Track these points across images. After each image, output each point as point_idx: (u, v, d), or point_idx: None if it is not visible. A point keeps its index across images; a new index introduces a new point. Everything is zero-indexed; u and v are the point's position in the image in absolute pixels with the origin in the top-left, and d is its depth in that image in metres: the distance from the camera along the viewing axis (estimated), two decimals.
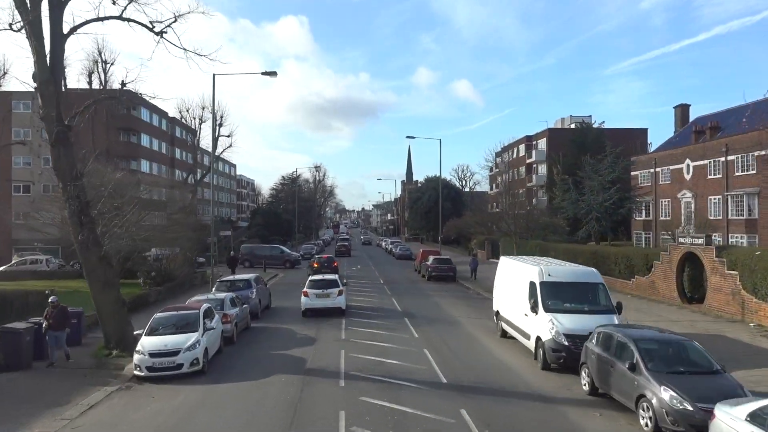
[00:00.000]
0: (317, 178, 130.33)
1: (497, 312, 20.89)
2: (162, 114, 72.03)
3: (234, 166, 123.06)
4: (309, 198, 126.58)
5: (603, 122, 68.21)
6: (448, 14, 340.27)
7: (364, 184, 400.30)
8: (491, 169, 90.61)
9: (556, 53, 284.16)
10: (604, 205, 47.09)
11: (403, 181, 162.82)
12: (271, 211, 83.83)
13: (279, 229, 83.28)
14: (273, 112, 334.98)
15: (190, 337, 15.74)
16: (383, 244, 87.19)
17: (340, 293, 24.45)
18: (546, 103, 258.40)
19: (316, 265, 40.34)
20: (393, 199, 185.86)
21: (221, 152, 70.98)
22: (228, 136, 46.34)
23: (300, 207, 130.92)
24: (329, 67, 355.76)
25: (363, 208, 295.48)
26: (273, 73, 28.10)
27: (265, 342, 20.05)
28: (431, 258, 39.69)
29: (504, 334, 20.00)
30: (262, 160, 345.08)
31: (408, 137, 51.75)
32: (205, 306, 17.72)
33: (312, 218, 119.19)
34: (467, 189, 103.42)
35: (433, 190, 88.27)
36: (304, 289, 24.79)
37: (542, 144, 69.51)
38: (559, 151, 63.46)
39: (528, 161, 71.23)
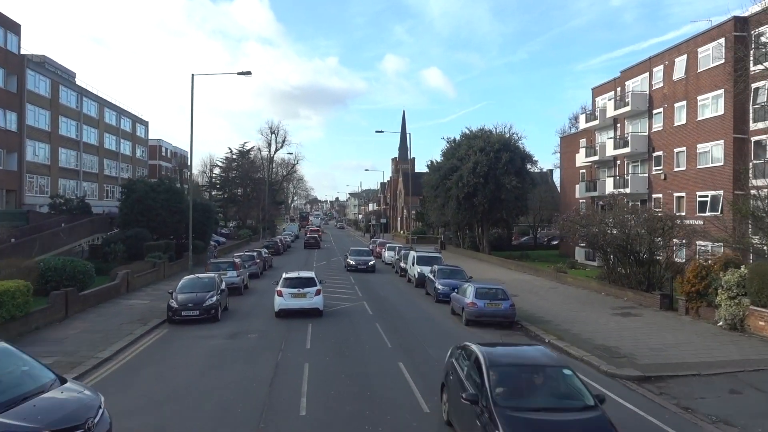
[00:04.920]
0: (273, 145, 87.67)
1: None
2: None
3: (145, 124, 79.26)
4: (261, 181, 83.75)
5: None
6: (421, 5, 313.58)
7: (336, 175, 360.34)
8: (579, 118, 49.08)
9: (528, 47, 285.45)
10: None
11: (394, 159, 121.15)
12: (161, 189, 40.92)
13: (177, 222, 40.66)
14: (239, 97, 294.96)
15: None
16: (386, 254, 45.18)
17: (318, 293, 21.61)
18: (517, 97, 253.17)
19: None
20: (378, 185, 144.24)
21: None
22: None
23: (251, 188, 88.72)
24: (294, 50, 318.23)
25: (337, 198, 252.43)
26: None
27: None
28: None
29: None
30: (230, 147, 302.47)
31: None
32: None
33: (259, 204, 76.52)
34: None
35: (480, 152, 46.63)
36: (278, 288, 21.61)
37: None
38: None
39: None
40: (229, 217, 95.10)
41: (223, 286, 22.37)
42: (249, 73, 29.11)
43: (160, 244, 35.21)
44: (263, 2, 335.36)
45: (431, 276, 27.38)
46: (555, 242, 72.76)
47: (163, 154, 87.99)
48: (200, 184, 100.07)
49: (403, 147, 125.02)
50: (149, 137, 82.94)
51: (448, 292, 24.76)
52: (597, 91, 48.68)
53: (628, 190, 39.64)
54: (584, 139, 51.73)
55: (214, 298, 20.40)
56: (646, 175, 39.92)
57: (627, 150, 40.49)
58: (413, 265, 31.80)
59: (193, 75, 28.48)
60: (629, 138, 40.50)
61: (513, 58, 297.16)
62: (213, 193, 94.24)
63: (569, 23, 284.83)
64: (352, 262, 39.18)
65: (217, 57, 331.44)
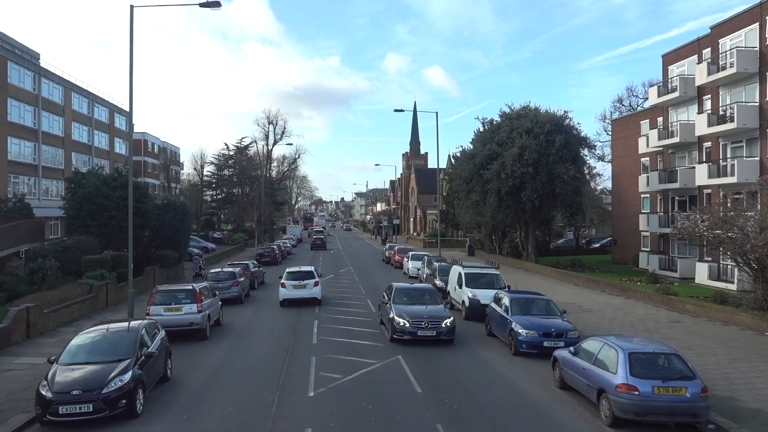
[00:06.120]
0: (272, 137, 78.14)
1: None
2: None
3: (126, 114, 69.78)
4: (260, 179, 74.13)
5: None
6: (422, 4, 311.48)
7: (341, 175, 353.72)
8: (648, 93, 39.08)
9: (531, 46, 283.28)
10: None
11: (405, 154, 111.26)
12: (116, 184, 31.30)
13: (139, 227, 31.04)
14: (241, 99, 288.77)
15: None
16: (409, 266, 35.15)
17: (316, 284, 24.31)
18: (521, 95, 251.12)
19: None
20: (387, 183, 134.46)
21: None
22: None
23: (250, 187, 79.38)
24: (295, 50, 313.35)
25: (342, 199, 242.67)
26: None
27: None
28: None
29: None
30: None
31: None
32: None
33: (252, 204, 67.05)
34: None
35: (527, 135, 36.89)
36: (282, 281, 24.58)
37: None
38: None
39: None
40: (225, 219, 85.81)
41: (153, 344, 12.53)
42: (218, 4, 19.53)
43: (105, 259, 25.59)
44: (263, 2, 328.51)
45: (498, 309, 17.56)
46: (596, 245, 62.69)
47: (149, 149, 78.34)
48: (194, 183, 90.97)
49: (415, 141, 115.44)
50: (135, 131, 73.76)
51: (536, 341, 15.16)
52: (669, 59, 38.79)
53: (733, 179, 29.75)
54: (647, 120, 42.06)
55: (127, 376, 10.65)
56: (758, 158, 30.00)
57: (731, 126, 30.55)
58: (460, 287, 21.98)
59: (132, 6, 18.94)
60: (734, 110, 30.57)
61: (516, 57, 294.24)
62: (209, 192, 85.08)
63: (571, 21, 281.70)
64: (403, 323, 16.65)
65: (218, 58, 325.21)
